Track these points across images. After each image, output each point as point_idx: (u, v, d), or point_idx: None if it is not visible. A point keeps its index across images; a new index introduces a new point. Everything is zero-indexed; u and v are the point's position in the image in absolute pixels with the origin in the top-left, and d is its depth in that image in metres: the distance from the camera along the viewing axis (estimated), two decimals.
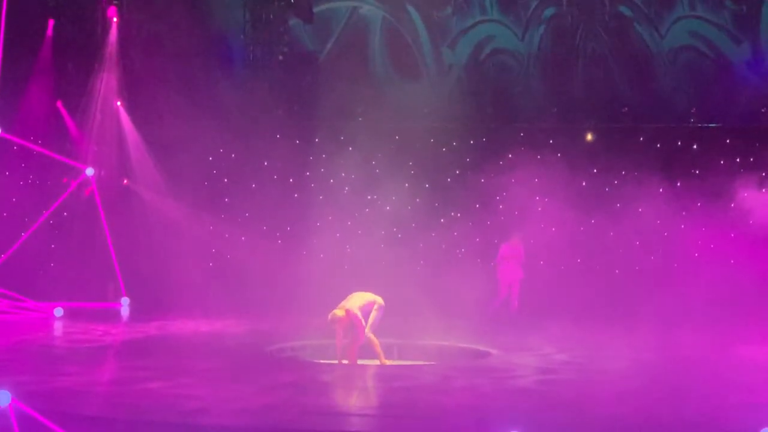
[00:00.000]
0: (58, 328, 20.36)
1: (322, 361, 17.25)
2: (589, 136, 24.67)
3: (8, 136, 22.78)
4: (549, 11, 26.08)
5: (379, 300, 16.79)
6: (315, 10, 26.33)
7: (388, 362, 16.69)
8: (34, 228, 23.08)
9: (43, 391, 13.10)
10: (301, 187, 24.43)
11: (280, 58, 25.99)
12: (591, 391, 14.08)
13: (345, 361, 16.67)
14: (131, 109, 24.32)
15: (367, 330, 16.53)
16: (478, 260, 23.36)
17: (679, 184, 23.50)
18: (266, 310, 21.81)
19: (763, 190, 23.34)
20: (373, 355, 16.83)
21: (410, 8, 26.31)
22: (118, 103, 24.27)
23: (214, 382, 14.21)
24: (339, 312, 16.60)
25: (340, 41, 26.43)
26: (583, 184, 23.14)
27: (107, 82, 24.12)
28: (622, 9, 25.88)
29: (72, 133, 24.17)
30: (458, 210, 24.38)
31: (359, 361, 16.84)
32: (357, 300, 16.73)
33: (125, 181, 24.53)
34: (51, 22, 24.05)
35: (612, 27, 25.81)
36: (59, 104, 23.97)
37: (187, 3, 25.15)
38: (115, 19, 24.06)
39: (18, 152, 23.78)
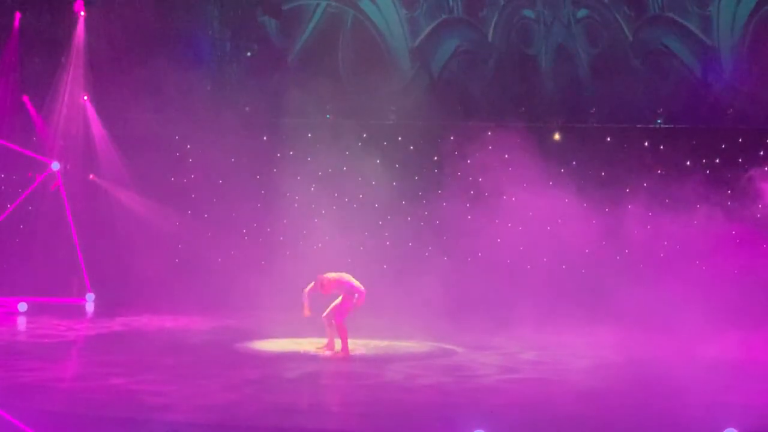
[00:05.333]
0: (22, 323, 20.25)
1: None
2: (557, 136, 24.76)
3: None
4: (517, 11, 26.08)
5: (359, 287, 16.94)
6: (284, 7, 26.25)
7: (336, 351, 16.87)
8: None
9: (6, 386, 13.03)
10: (267, 183, 24.38)
11: (249, 54, 25.93)
12: (555, 390, 14.12)
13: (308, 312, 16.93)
14: (98, 104, 24.19)
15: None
16: (445, 258, 23.39)
17: (645, 184, 23.61)
18: (231, 307, 21.76)
19: (729, 191, 23.50)
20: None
21: (380, 7, 26.26)
22: (85, 98, 24.14)
23: (179, 378, 14.17)
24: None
25: (309, 39, 26.35)
26: (550, 183, 23.18)
27: (74, 76, 23.97)
28: (590, 10, 25.91)
29: (38, 128, 24.01)
30: (425, 208, 24.41)
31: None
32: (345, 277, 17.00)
33: (91, 176, 24.40)
34: (18, 16, 23.87)
35: (580, 27, 25.86)
36: (25, 98, 23.81)
37: None
38: (82, 13, 23.92)
39: None
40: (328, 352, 16.90)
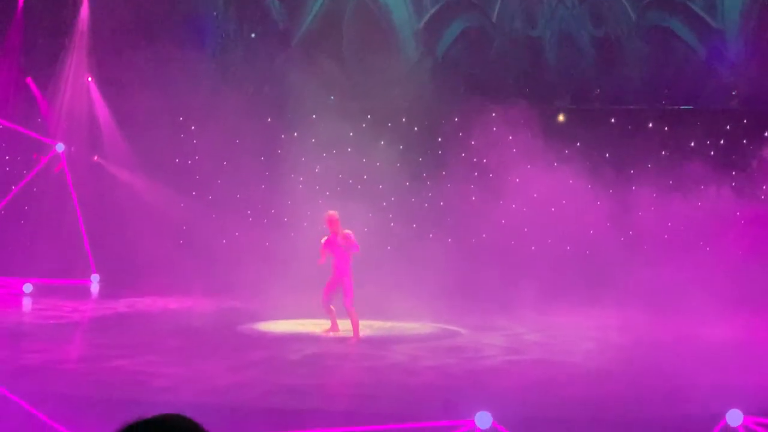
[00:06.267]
0: (27, 304, 20.29)
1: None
2: (561, 117, 24.73)
3: None
4: None
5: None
6: None
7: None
8: (3, 203, 22.96)
9: (11, 368, 13.06)
10: (272, 165, 24.36)
11: (253, 36, 25.89)
12: (559, 371, 14.14)
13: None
14: (102, 85, 24.18)
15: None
16: (449, 239, 23.37)
17: (649, 166, 23.58)
18: (236, 288, 21.76)
19: (733, 173, 23.48)
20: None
21: None
22: (89, 79, 24.12)
23: (183, 360, 14.21)
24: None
25: (313, 20, 26.30)
26: (555, 164, 23.15)
27: (78, 57, 23.95)
28: None
29: (42, 109, 24.01)
30: (429, 190, 24.40)
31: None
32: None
33: (96, 158, 24.41)
34: None
35: (585, 9, 25.79)
36: (29, 80, 23.80)
37: None
38: None
39: None
40: (332, 334, 16.92)
